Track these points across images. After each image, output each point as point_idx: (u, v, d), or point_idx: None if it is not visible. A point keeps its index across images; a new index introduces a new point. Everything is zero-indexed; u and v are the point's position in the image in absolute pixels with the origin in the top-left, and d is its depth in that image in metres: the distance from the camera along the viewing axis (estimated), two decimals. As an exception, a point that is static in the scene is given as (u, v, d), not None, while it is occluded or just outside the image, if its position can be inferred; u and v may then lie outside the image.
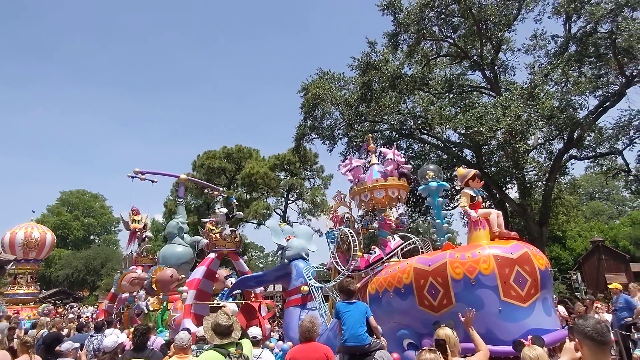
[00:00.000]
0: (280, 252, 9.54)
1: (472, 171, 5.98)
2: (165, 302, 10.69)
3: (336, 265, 7.52)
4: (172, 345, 5.51)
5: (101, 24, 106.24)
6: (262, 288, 12.05)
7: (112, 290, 14.80)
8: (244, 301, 10.85)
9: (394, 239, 7.25)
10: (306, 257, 9.27)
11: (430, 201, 6.71)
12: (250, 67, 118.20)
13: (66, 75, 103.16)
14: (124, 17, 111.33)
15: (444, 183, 6.82)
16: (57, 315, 19.18)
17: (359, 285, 6.58)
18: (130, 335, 6.73)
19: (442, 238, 6.39)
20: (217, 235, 11.30)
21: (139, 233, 15.20)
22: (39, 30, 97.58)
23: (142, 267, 13.60)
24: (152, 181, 15.17)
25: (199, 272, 10.48)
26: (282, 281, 9.58)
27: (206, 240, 11.72)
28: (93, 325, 8.92)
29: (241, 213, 12.75)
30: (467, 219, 5.75)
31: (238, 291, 11.37)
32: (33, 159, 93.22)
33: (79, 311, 24.68)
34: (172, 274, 11.45)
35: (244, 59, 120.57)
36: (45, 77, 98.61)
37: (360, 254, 7.10)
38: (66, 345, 5.61)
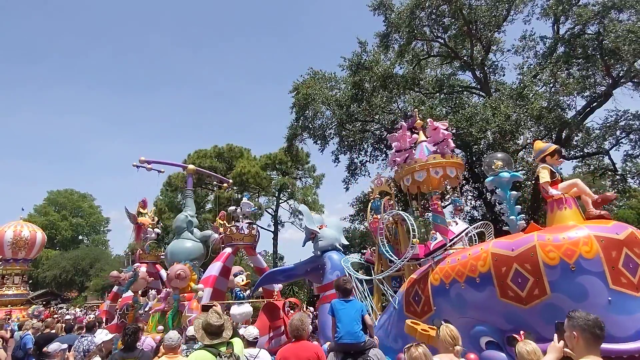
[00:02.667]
0: (307, 241, 8.78)
1: (552, 146, 5.31)
2: (175, 302, 10.10)
3: (387, 255, 6.73)
4: (162, 345, 5.46)
5: (90, 24, 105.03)
6: (280, 285, 11.34)
7: (115, 289, 14.24)
8: (266, 300, 10.21)
9: (456, 224, 6.44)
10: (340, 248, 8.47)
11: (501, 194, 5.90)
12: (241, 67, 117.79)
13: (54, 75, 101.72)
14: (113, 17, 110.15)
15: (517, 174, 6.08)
16: (50, 317, 18.74)
17: (415, 276, 5.99)
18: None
19: None
20: (234, 228, 10.74)
21: (147, 227, 14.38)
22: (27, 30, 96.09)
23: (146, 264, 13.02)
24: (159, 171, 14.48)
25: (215, 268, 9.86)
26: (313, 275, 8.69)
27: (216, 235, 11.32)
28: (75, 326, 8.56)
29: (232, 208, 12.44)
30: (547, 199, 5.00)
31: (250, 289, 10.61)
32: (20, 159, 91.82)
33: (74, 312, 24.22)
34: (179, 271, 10.94)
35: (234, 58, 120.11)
36: (33, 77, 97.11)
37: (415, 240, 6.29)
38: (53, 346, 5.55)
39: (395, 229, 8.25)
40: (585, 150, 18.53)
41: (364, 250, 17.78)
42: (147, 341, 7.25)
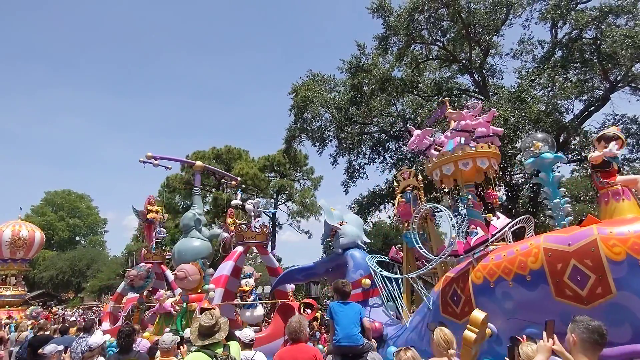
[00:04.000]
0: (327, 238, 8.33)
1: (612, 132, 4.92)
2: (185, 303, 9.66)
3: (422, 252, 6.38)
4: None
5: (87, 24, 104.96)
6: (293, 286, 10.95)
7: (119, 290, 13.85)
8: (280, 301, 9.76)
9: (497, 218, 6.06)
10: (362, 246, 7.99)
11: (543, 177, 5.49)
12: (240, 68, 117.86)
13: (52, 76, 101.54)
14: (110, 17, 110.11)
15: (560, 155, 5.64)
16: (50, 318, 18.39)
17: (451, 274, 5.60)
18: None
19: (563, 222, 5.31)
20: (245, 226, 10.33)
21: (158, 223, 13.80)
22: (25, 30, 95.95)
23: (152, 264, 12.58)
24: (166, 167, 14.02)
25: (227, 268, 9.32)
26: (334, 274, 8.11)
27: (226, 234, 11.03)
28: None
29: (237, 201, 11.76)
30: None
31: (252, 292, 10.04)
32: (17, 160, 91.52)
33: (76, 312, 23.89)
34: (185, 272, 10.49)
35: (232, 59, 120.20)
36: (31, 77, 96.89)
37: (454, 235, 5.88)
38: (49, 348, 5.50)
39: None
40: (583, 154, 18.59)
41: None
42: (142, 343, 7.22)
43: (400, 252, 8.24)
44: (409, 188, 8.05)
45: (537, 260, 4.40)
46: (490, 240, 5.57)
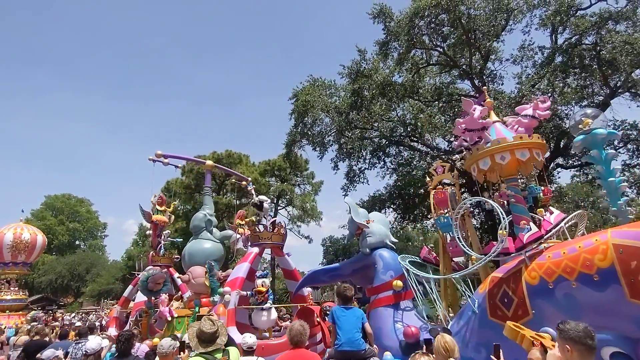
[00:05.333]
0: (352, 238, 8.01)
1: None
2: (197, 307, 9.22)
3: (465, 249, 5.99)
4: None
5: (89, 29, 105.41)
6: (310, 289, 10.48)
7: (126, 294, 13.43)
8: (299, 305, 9.33)
9: (550, 213, 5.68)
10: (392, 246, 7.56)
11: (595, 154, 5.14)
12: (241, 73, 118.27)
13: (53, 81, 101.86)
14: (111, 22, 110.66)
15: (614, 130, 5.35)
16: (51, 322, 18.04)
17: (499, 274, 5.17)
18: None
19: (619, 202, 5.02)
20: (261, 227, 9.84)
21: (162, 226, 13.43)
22: (26, 34, 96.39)
23: (160, 267, 12.08)
24: (176, 166, 13.85)
25: (242, 270, 8.88)
26: (360, 276, 7.74)
27: (237, 236, 10.62)
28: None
29: (264, 197, 10.79)
30: None
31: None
32: (18, 164, 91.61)
33: (77, 317, 23.61)
34: (189, 274, 9.86)
35: (233, 63, 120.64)
36: (32, 82, 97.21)
37: (503, 232, 5.44)
38: (47, 353, 5.48)
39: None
40: (583, 159, 18.60)
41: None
42: (141, 348, 7.18)
43: (433, 253, 7.86)
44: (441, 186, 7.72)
45: (605, 258, 4.03)
46: (545, 237, 5.19)
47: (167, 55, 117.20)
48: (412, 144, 21.45)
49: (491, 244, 5.88)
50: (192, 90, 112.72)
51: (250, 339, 5.12)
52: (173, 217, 14.35)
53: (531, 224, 5.44)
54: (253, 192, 13.11)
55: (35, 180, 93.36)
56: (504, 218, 5.39)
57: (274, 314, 8.70)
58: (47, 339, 7.95)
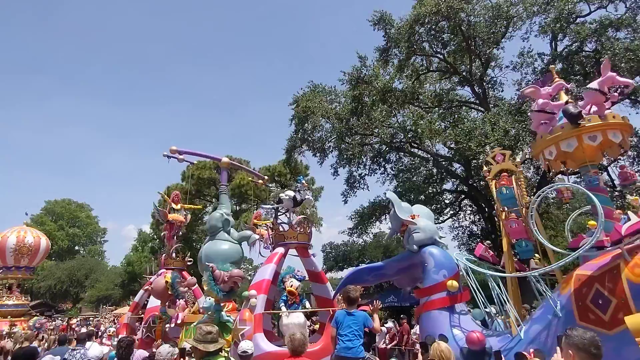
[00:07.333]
0: (395, 234, 7.40)
1: None
2: (217, 313, 8.50)
3: (546, 243, 5.41)
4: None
5: (89, 35, 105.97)
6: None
7: (136, 299, 12.99)
8: (330, 309, 8.59)
9: None
10: (442, 243, 6.90)
11: None
12: (241, 79, 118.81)
13: (53, 86, 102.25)
14: (113, 28, 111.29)
15: None
16: (65, 329, 17.46)
17: (588, 271, 4.60)
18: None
19: None
20: (287, 225, 9.31)
21: (179, 225, 12.88)
22: (26, 40, 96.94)
23: (172, 270, 11.62)
24: (191, 163, 13.32)
25: (268, 271, 8.23)
26: (407, 275, 7.08)
27: (257, 236, 10.22)
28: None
29: (309, 194, 10.08)
30: None
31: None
32: (18, 169, 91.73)
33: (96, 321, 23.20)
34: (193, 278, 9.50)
35: (234, 70, 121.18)
36: (32, 87, 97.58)
37: (594, 223, 4.78)
38: (45, 360, 5.42)
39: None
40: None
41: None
42: (138, 353, 7.11)
43: (490, 250, 7.25)
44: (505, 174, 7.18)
45: None
46: None
47: (167, 61, 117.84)
48: (412, 150, 21.49)
49: (580, 236, 5.31)
50: (192, 96, 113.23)
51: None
52: (190, 216, 13.68)
53: (630, 213, 4.73)
54: (305, 185, 11.49)
55: (36, 185, 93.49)
56: (598, 206, 4.66)
57: (301, 318, 8.15)
58: (35, 344, 7.82)
